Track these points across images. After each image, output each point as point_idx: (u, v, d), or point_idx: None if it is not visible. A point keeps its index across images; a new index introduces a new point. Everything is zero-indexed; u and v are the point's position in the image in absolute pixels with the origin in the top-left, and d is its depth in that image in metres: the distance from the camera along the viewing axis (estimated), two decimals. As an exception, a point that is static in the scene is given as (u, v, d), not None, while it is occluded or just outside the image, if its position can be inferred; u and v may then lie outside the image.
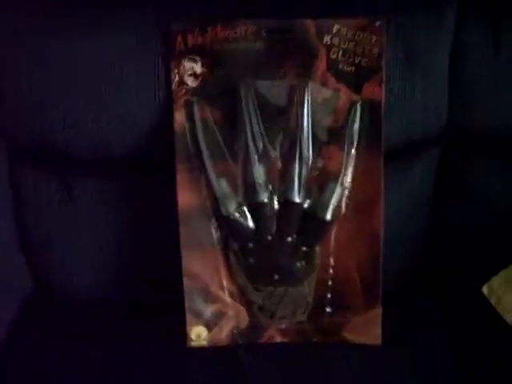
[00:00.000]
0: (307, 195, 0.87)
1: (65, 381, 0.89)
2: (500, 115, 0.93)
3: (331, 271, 0.90)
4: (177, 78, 0.85)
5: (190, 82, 0.86)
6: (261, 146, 0.86)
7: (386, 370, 0.90)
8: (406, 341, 0.94)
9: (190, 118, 0.86)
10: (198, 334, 0.91)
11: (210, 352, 0.91)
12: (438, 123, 0.94)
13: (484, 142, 0.97)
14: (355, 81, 0.86)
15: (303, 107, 0.85)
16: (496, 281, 0.96)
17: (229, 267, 0.90)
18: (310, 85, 0.85)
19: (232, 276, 0.90)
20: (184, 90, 0.86)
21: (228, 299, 0.91)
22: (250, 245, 0.88)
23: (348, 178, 0.87)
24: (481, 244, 0.99)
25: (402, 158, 0.95)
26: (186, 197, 0.87)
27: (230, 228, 0.88)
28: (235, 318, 0.91)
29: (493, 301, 0.96)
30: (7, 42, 0.88)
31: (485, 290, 0.97)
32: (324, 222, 0.88)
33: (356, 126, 0.86)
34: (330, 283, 0.90)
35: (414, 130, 0.92)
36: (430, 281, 1.03)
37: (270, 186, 0.87)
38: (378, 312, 0.90)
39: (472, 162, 0.98)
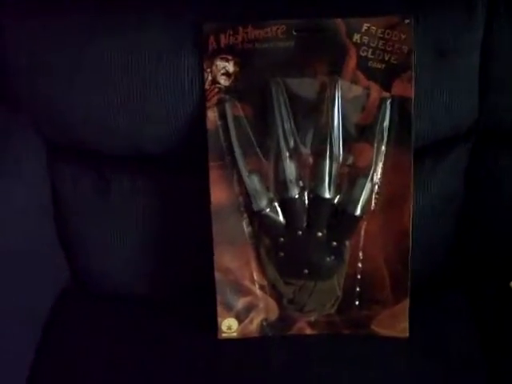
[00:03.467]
0: (337, 191, 0.89)
1: (98, 371, 0.91)
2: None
3: (360, 265, 0.92)
4: (210, 77, 0.87)
5: (223, 81, 0.87)
6: (292, 142, 0.88)
7: (414, 362, 0.91)
8: (434, 334, 0.95)
9: (223, 116, 0.87)
10: (229, 326, 0.93)
11: (240, 344, 0.93)
12: (468, 120, 0.94)
13: (514, 138, 0.97)
14: (385, 78, 0.86)
15: (334, 104, 0.86)
16: (524, 276, 0.97)
17: (260, 261, 0.91)
18: (340, 82, 0.86)
19: (263, 270, 0.92)
20: (217, 89, 0.87)
21: (258, 292, 0.93)
22: (281, 240, 0.90)
23: (378, 174, 0.89)
24: (510, 239, 1.00)
25: (432, 155, 0.96)
26: (218, 193, 0.89)
27: (261, 223, 0.90)
28: (265, 310, 0.93)
29: (521, 295, 0.97)
30: (41, 43, 0.90)
31: (513, 285, 0.97)
32: (354, 217, 0.89)
33: (386, 122, 0.87)
34: (359, 277, 0.92)
35: (444, 127, 0.93)
36: (459, 275, 1.03)
37: (301, 182, 0.88)
38: (405, 305, 0.91)
39: (502, 158, 0.98)
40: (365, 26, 0.86)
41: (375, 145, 0.87)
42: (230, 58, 0.86)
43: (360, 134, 0.88)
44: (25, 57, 0.91)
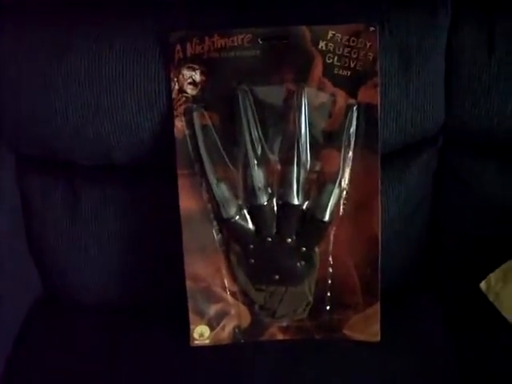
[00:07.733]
0: (306, 197, 0.89)
1: (71, 381, 0.91)
2: (495, 115, 0.94)
3: (331, 270, 0.92)
4: (177, 87, 0.87)
5: (190, 90, 0.87)
6: (259, 150, 0.88)
7: (386, 365, 0.92)
8: (406, 337, 0.96)
9: (190, 125, 0.88)
10: (201, 333, 0.93)
11: (213, 351, 0.93)
12: (435, 124, 0.95)
13: (481, 141, 0.98)
14: (351, 85, 0.87)
15: (300, 111, 0.87)
16: (493, 277, 0.97)
17: (230, 268, 0.92)
18: (306, 89, 0.87)
19: (233, 276, 0.92)
20: (184, 98, 0.87)
21: (230, 299, 0.93)
22: (251, 246, 0.90)
23: (346, 180, 0.89)
24: (478, 241, 1.00)
25: (400, 159, 0.97)
26: (187, 201, 0.89)
27: (231, 231, 0.90)
28: (237, 316, 0.93)
29: (491, 297, 0.97)
30: (10, 55, 0.90)
31: (483, 286, 0.98)
32: (323, 222, 0.90)
33: (352, 128, 0.88)
34: (329, 282, 0.92)
35: (411, 131, 0.93)
36: (429, 278, 1.04)
37: (269, 189, 0.89)
38: (376, 310, 0.92)
39: (469, 161, 1.00)
40: (330, 34, 0.86)
41: (342, 151, 0.88)
42: (196, 67, 0.87)
43: (327, 140, 0.88)
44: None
